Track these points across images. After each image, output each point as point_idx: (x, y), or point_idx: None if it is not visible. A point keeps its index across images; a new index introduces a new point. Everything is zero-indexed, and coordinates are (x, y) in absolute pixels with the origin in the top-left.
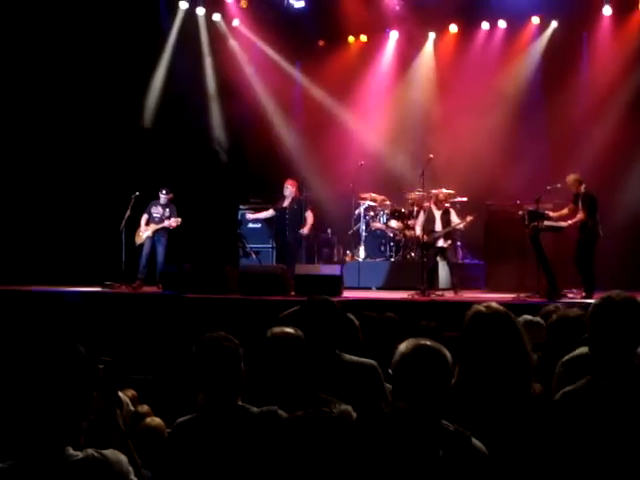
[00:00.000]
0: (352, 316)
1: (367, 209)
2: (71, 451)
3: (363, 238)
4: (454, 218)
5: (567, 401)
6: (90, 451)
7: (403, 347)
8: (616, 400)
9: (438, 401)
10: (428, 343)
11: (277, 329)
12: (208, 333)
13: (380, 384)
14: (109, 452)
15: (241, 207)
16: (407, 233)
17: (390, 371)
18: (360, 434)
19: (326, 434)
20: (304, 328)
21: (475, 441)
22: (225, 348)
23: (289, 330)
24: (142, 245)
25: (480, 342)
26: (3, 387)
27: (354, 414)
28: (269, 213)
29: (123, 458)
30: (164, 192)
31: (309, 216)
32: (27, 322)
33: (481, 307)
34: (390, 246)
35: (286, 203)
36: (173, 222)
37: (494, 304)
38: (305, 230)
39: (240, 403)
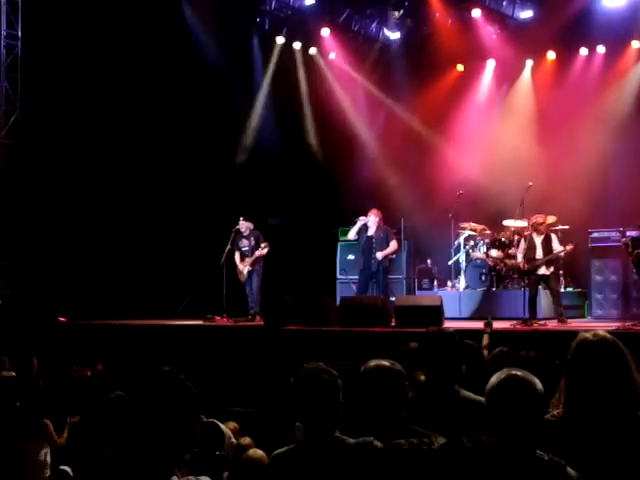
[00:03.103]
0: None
1: (467, 239)
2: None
3: (463, 268)
4: (556, 245)
5: None
6: (191, 478)
7: (494, 379)
8: None
9: (530, 432)
10: (519, 374)
11: (372, 362)
12: (306, 364)
13: None
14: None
15: (340, 240)
16: (508, 262)
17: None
18: (445, 467)
19: (425, 465)
20: (423, 364)
21: (570, 470)
22: (323, 379)
23: (384, 363)
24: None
25: (587, 370)
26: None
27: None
28: (352, 236)
29: None
30: (239, 225)
31: (393, 244)
32: (135, 356)
33: (587, 335)
34: (491, 275)
35: (371, 232)
36: (263, 250)
37: (601, 331)
38: (380, 255)
39: (337, 434)
